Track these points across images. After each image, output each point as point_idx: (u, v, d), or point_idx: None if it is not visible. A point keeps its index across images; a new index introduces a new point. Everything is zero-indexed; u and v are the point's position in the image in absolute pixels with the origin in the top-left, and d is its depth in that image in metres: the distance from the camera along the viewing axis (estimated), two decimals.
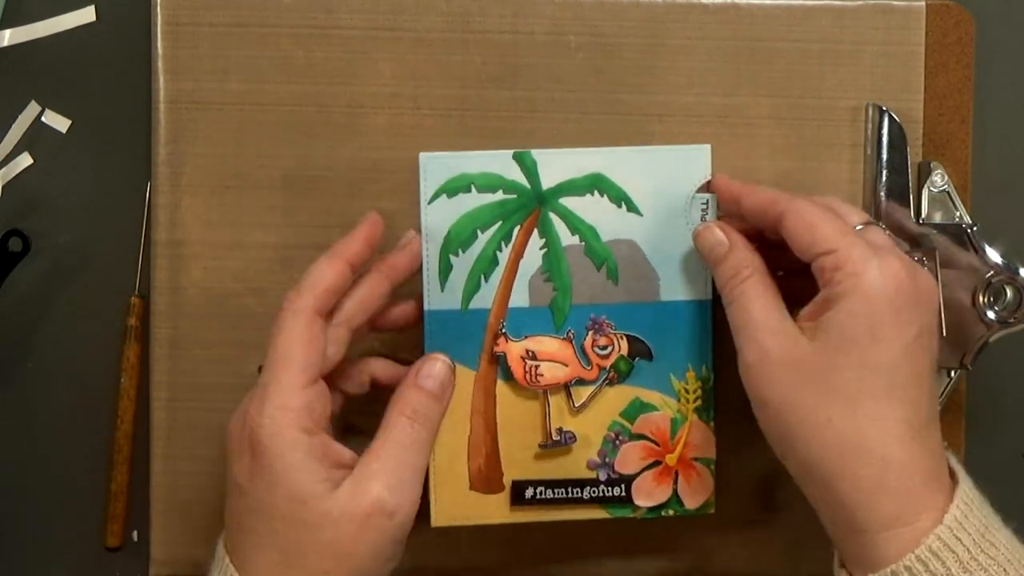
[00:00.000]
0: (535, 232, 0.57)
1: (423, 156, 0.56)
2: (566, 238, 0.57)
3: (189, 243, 0.61)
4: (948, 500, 0.49)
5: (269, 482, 0.51)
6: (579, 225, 0.57)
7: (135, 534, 0.64)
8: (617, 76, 0.62)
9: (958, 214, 0.61)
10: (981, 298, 0.60)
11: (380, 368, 0.58)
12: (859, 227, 0.53)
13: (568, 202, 0.57)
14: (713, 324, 0.57)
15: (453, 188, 0.56)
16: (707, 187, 0.57)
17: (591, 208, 0.57)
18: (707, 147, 0.57)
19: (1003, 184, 0.65)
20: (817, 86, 0.62)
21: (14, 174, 0.64)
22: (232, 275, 0.62)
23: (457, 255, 0.56)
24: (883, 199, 0.61)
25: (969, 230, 0.60)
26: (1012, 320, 0.60)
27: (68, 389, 0.64)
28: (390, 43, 0.61)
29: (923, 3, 0.62)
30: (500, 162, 0.56)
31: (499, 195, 0.56)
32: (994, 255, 0.60)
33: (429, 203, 0.56)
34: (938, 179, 0.61)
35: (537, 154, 0.56)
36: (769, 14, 0.62)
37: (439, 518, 0.57)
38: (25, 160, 0.64)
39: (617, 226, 0.57)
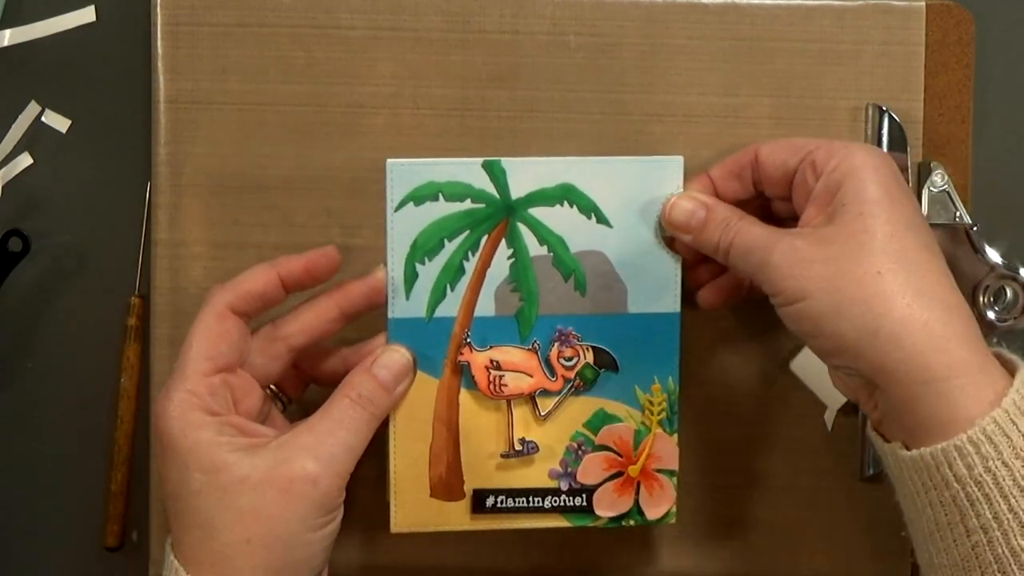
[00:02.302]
0: (503, 242, 0.56)
1: (390, 162, 0.56)
2: (534, 248, 0.56)
3: (189, 243, 0.61)
4: (1003, 368, 0.49)
5: (181, 463, 0.51)
6: (547, 236, 0.56)
7: (135, 534, 0.64)
8: (617, 76, 0.62)
9: (958, 214, 0.61)
10: (981, 298, 0.60)
11: (352, 353, 0.57)
12: None
13: (537, 212, 0.56)
14: (681, 336, 0.57)
15: (420, 196, 0.56)
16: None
17: (560, 218, 0.56)
18: (679, 158, 0.56)
19: (1003, 184, 0.65)
20: (817, 86, 0.62)
21: (14, 174, 0.64)
22: (232, 275, 0.61)
23: (423, 263, 0.56)
24: None
25: (969, 230, 0.60)
26: (1012, 320, 0.60)
27: (68, 389, 0.64)
28: (390, 43, 0.61)
29: (923, 3, 0.62)
30: (469, 170, 0.56)
31: (467, 204, 0.56)
32: (994, 255, 0.60)
33: (396, 211, 0.56)
34: (938, 179, 0.61)
35: (506, 163, 0.56)
36: (769, 14, 0.62)
37: (399, 524, 0.57)
38: (25, 160, 0.64)
39: (586, 237, 0.56)
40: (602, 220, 0.56)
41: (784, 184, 0.55)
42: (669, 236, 0.57)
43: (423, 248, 0.56)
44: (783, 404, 0.63)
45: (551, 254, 0.57)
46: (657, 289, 0.57)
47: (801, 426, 0.63)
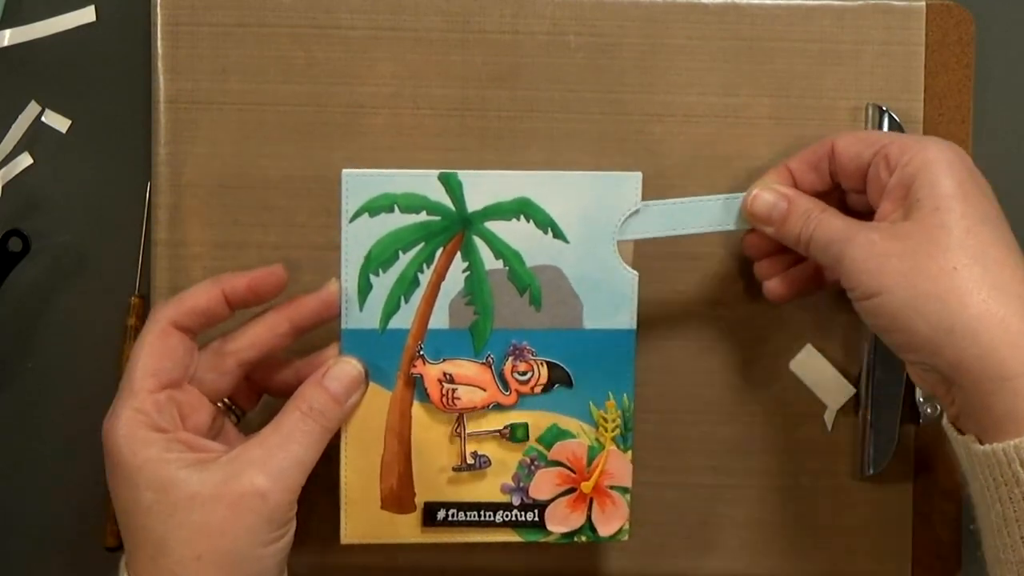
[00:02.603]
0: (458, 255, 0.56)
1: (345, 173, 0.55)
2: (490, 262, 0.56)
3: (189, 243, 0.62)
4: None
5: (131, 482, 0.51)
6: (503, 250, 0.56)
7: None
8: (617, 76, 0.62)
9: None
10: None
11: (304, 365, 0.57)
12: None
13: (493, 226, 0.56)
14: (636, 353, 0.57)
15: (375, 207, 0.55)
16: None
17: (517, 233, 0.56)
18: (638, 175, 0.56)
19: (1003, 184, 0.64)
20: (817, 86, 0.62)
21: (14, 174, 0.64)
22: None
23: (377, 275, 0.55)
24: None
25: None
26: None
27: (68, 389, 0.64)
28: (390, 43, 0.61)
29: (923, 3, 0.62)
30: (425, 183, 0.55)
31: (423, 216, 0.55)
32: None
33: (350, 222, 0.55)
34: None
35: (463, 176, 0.55)
36: (769, 14, 0.62)
37: (349, 535, 0.56)
38: (25, 160, 0.64)
39: (542, 252, 0.56)
40: (559, 235, 0.56)
41: (858, 177, 0.55)
42: (751, 228, 0.57)
43: (377, 259, 0.55)
44: (783, 404, 0.63)
45: (506, 268, 0.56)
46: (613, 305, 0.56)
47: (801, 426, 0.63)
